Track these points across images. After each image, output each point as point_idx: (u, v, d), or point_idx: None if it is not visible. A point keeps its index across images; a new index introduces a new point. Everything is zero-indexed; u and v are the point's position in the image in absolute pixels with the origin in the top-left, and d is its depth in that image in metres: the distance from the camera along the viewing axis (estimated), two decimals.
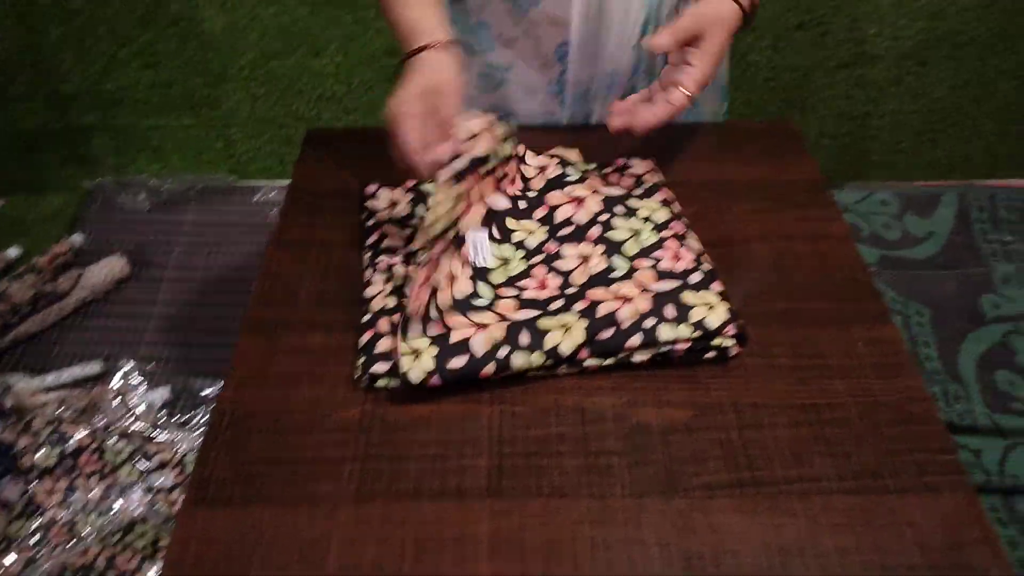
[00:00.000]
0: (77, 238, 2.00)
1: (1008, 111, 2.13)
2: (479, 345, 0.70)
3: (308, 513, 0.64)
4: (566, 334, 0.71)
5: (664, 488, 0.65)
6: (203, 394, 1.66)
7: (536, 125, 1.02)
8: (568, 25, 0.93)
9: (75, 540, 1.42)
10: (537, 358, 0.70)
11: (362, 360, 0.73)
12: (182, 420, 1.62)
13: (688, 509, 0.63)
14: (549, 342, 0.71)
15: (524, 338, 0.71)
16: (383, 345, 0.73)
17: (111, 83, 1.99)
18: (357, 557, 0.61)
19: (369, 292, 0.79)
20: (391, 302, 0.77)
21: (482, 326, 0.72)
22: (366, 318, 0.77)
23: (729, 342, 0.72)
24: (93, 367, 1.72)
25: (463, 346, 0.70)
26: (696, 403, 0.71)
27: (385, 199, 0.90)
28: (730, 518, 0.63)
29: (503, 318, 0.73)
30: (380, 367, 0.72)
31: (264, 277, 0.83)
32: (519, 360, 0.70)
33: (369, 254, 0.84)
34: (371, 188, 0.91)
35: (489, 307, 0.74)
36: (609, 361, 0.72)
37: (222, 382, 0.73)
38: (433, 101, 0.77)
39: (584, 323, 0.72)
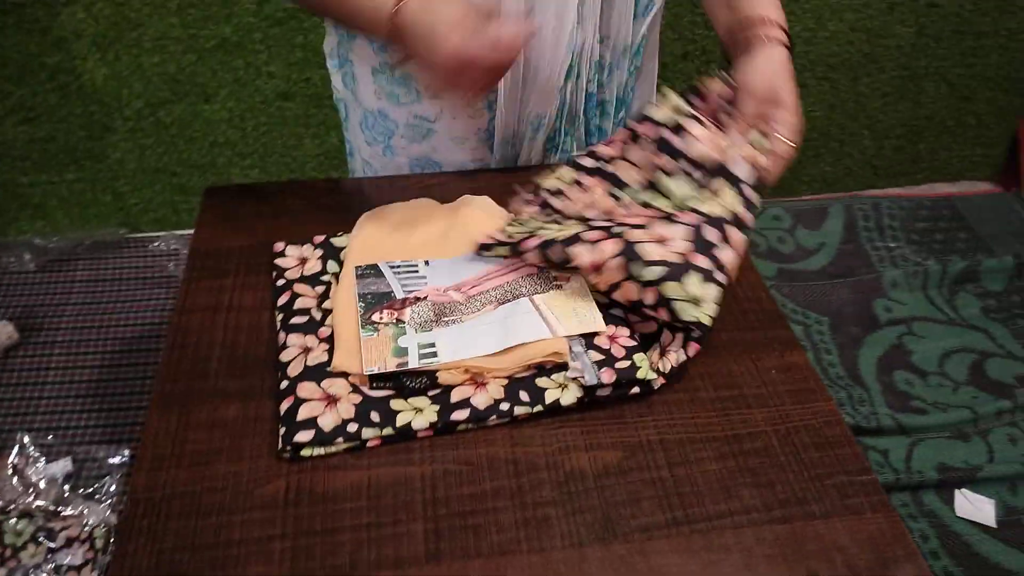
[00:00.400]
0: None
1: (881, 126, 2.27)
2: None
3: None
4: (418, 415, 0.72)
5: (602, 534, 0.65)
6: (110, 462, 1.58)
7: (465, 171, 1.02)
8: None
9: None
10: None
11: (283, 431, 0.70)
12: (88, 492, 1.54)
13: (628, 554, 0.64)
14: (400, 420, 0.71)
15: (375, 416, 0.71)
16: (305, 412, 0.71)
17: None
18: None
19: (285, 356, 0.77)
20: (312, 359, 0.76)
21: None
22: (284, 384, 0.74)
23: (652, 374, 0.73)
24: None
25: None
26: (625, 443, 0.71)
27: (294, 257, 0.88)
28: (668, 559, 0.63)
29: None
30: (304, 436, 0.69)
31: (171, 348, 0.80)
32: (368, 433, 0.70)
33: (281, 316, 0.81)
34: (279, 246, 0.89)
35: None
36: (537, 408, 0.72)
37: (127, 451, 0.69)
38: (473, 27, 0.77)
39: (435, 408, 0.72)
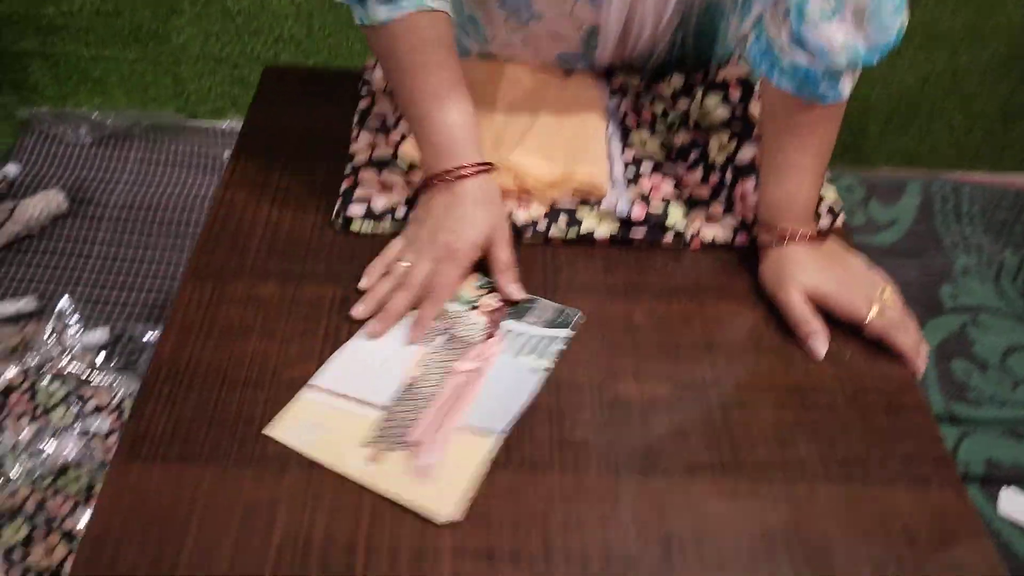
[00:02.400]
0: (11, 168, 1.87)
1: (975, 106, 2.13)
2: None
3: (254, 476, 0.58)
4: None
5: (642, 466, 0.61)
6: (144, 340, 1.58)
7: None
8: (569, 39, 0.84)
9: (3, 481, 1.34)
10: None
11: (339, 204, 0.77)
12: (121, 364, 1.54)
13: (667, 489, 0.59)
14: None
15: None
16: (361, 192, 0.77)
17: (51, 6, 1.86)
18: (307, 525, 0.56)
19: (354, 148, 0.82)
20: (377, 154, 0.81)
21: None
22: (348, 169, 0.80)
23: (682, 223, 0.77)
24: (27, 303, 1.62)
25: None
26: (678, 379, 0.66)
27: (381, 79, 0.90)
28: (710, 501, 0.59)
29: None
30: (356, 210, 0.76)
31: (212, 221, 0.76)
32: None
33: (358, 117, 0.86)
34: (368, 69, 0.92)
35: None
36: (572, 233, 0.76)
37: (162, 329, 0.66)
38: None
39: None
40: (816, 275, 0.70)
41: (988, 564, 0.57)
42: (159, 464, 0.58)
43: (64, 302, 1.59)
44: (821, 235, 0.73)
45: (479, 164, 0.71)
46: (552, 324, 0.69)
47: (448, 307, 0.70)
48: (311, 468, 0.59)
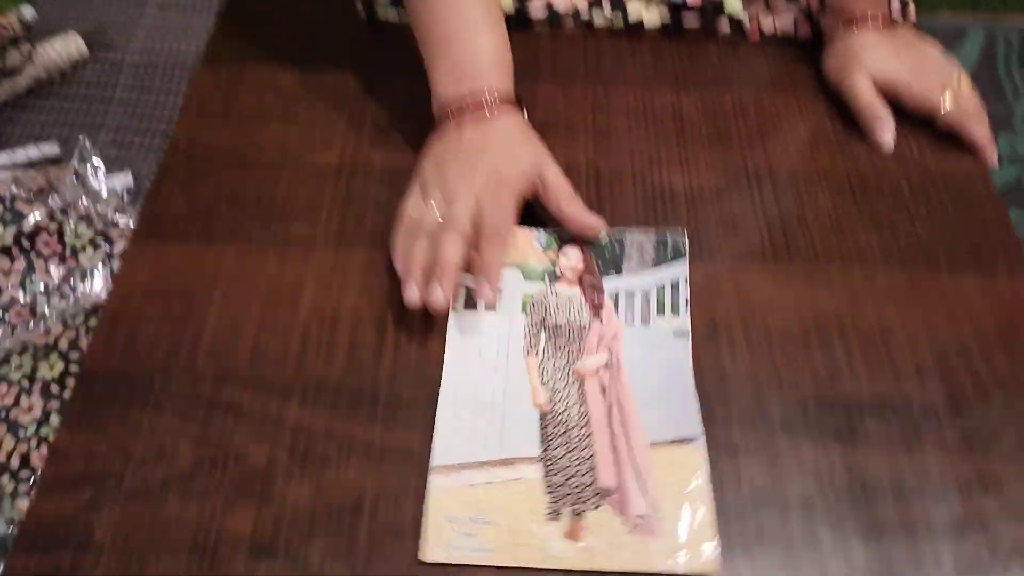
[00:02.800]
0: (27, 11, 1.81)
1: None
2: None
3: (279, 255, 0.55)
4: None
5: (688, 252, 0.57)
6: None
7: None
8: None
9: (36, 320, 1.35)
10: None
11: None
12: None
13: (714, 274, 0.56)
14: None
15: None
16: None
17: None
18: (334, 302, 0.53)
19: None
20: None
21: None
22: None
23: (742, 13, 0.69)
24: (50, 148, 1.59)
25: None
26: (728, 166, 0.62)
27: None
28: (759, 285, 0.55)
29: None
30: None
31: (231, 5, 0.71)
32: None
33: None
34: None
35: None
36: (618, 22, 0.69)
37: None
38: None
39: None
40: (887, 61, 0.64)
41: None
42: (178, 244, 0.56)
43: (87, 146, 1.56)
44: (893, 21, 0.66)
45: (515, 98, 0.59)
46: (660, 260, 0.56)
47: (524, 290, 0.54)
48: (338, 249, 0.56)
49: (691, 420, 0.49)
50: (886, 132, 0.62)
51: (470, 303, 0.53)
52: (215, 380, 0.50)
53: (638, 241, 0.56)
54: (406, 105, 0.64)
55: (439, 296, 0.51)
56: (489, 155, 0.55)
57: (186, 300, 0.53)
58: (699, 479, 0.47)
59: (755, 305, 0.54)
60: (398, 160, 0.61)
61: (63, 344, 1.34)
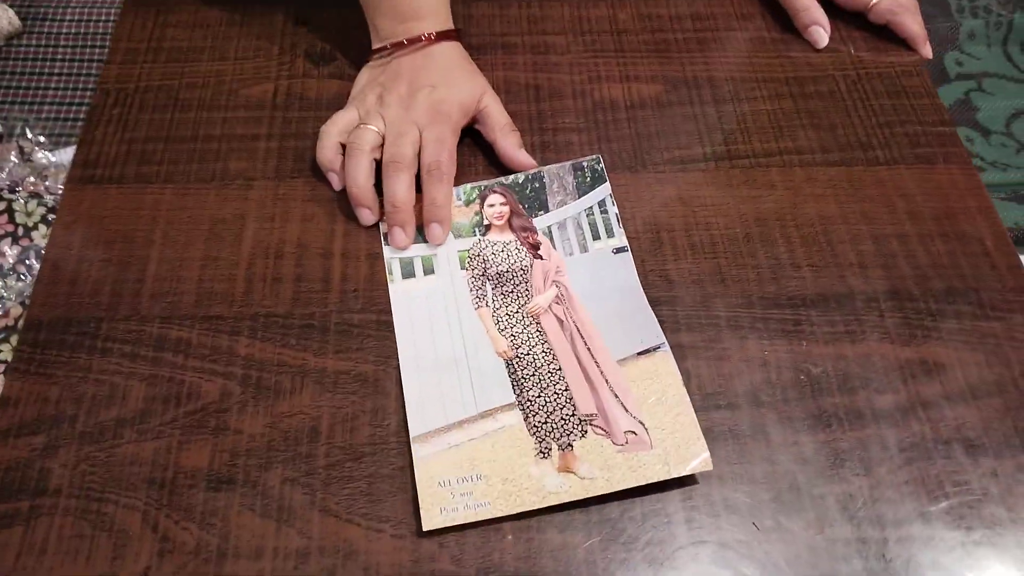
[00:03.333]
0: None
1: None
2: None
3: (218, 192, 0.55)
4: None
5: (631, 163, 0.57)
6: None
7: None
8: None
9: None
10: None
11: None
12: None
13: (656, 182, 0.56)
14: None
15: None
16: None
17: None
18: (277, 235, 0.53)
19: None
20: None
21: None
22: None
23: None
24: None
25: None
26: (668, 76, 0.61)
27: None
28: (703, 190, 0.56)
29: None
30: None
31: None
32: None
33: None
34: None
35: None
36: None
37: None
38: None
39: None
40: None
41: (994, 232, 0.54)
42: (115, 186, 0.55)
43: (29, 122, 1.52)
44: None
45: (452, 30, 0.58)
46: (584, 187, 0.56)
47: (457, 248, 0.54)
48: (278, 182, 0.55)
49: (651, 330, 0.50)
50: (820, 32, 0.63)
51: (407, 272, 0.52)
52: (161, 320, 0.50)
53: (556, 174, 0.56)
54: (339, 35, 0.63)
55: (403, 238, 0.52)
56: (429, 82, 0.55)
57: (127, 242, 0.52)
58: (673, 384, 0.48)
59: (698, 210, 0.55)
60: (333, 89, 0.60)
61: (22, 324, 1.32)
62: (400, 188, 0.52)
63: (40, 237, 1.43)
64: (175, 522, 0.43)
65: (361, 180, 0.53)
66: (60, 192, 1.45)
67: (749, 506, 0.44)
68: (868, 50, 0.63)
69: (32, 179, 1.44)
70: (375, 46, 0.58)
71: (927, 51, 0.63)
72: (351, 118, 0.55)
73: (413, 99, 0.54)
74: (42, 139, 1.53)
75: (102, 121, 0.58)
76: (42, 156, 1.50)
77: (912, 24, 0.62)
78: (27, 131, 1.52)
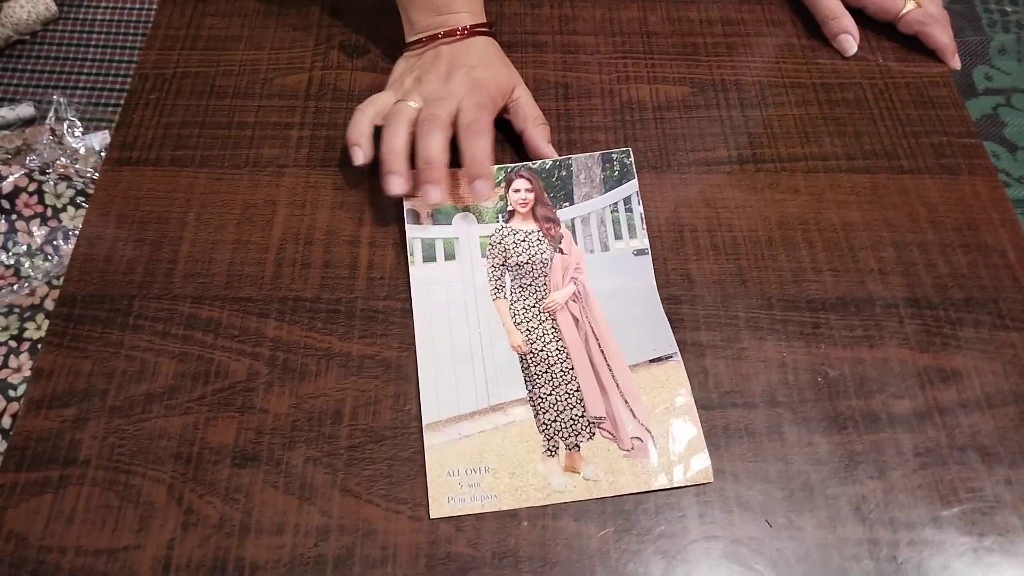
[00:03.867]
0: None
1: None
2: None
3: (251, 177, 0.56)
4: None
5: (655, 163, 0.58)
6: None
7: None
8: None
9: (20, 282, 1.35)
10: None
11: None
12: None
13: (681, 183, 0.57)
14: None
15: None
16: None
17: None
18: (309, 220, 0.54)
19: None
20: None
21: None
22: None
23: None
24: (25, 109, 1.57)
25: None
26: (695, 79, 0.62)
27: None
28: (727, 192, 0.56)
29: None
30: None
31: None
32: None
33: None
34: None
35: None
36: None
37: None
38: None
39: None
40: None
41: (1016, 245, 0.54)
42: (151, 168, 0.56)
43: (62, 105, 1.55)
44: None
45: (486, 23, 0.59)
46: (609, 181, 0.56)
47: (479, 233, 0.54)
48: (309, 170, 0.57)
49: (665, 338, 0.50)
50: (849, 40, 0.63)
51: (428, 256, 0.53)
52: (192, 300, 0.51)
53: (584, 164, 0.56)
54: (373, 27, 0.64)
55: (437, 195, 0.52)
56: (467, 66, 0.56)
57: (161, 224, 0.54)
58: (683, 394, 0.48)
59: (721, 211, 0.55)
60: (367, 82, 0.61)
61: (49, 304, 1.35)
62: (435, 144, 0.52)
63: (68, 219, 1.45)
64: (200, 496, 0.44)
65: (397, 146, 0.53)
66: (90, 175, 1.47)
67: (762, 504, 0.45)
68: (896, 60, 0.64)
69: (63, 161, 1.47)
70: (409, 39, 0.59)
71: (956, 63, 0.63)
72: (387, 100, 0.55)
73: (452, 75, 0.55)
74: (74, 122, 1.56)
75: (139, 105, 0.59)
76: (73, 139, 1.52)
77: (941, 35, 0.63)
78: (60, 113, 1.54)
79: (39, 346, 1.30)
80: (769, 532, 0.44)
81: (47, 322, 1.33)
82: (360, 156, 0.54)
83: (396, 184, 0.52)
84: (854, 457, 0.46)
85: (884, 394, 0.48)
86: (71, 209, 1.45)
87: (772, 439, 0.47)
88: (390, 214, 0.55)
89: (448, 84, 0.55)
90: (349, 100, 0.60)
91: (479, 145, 0.52)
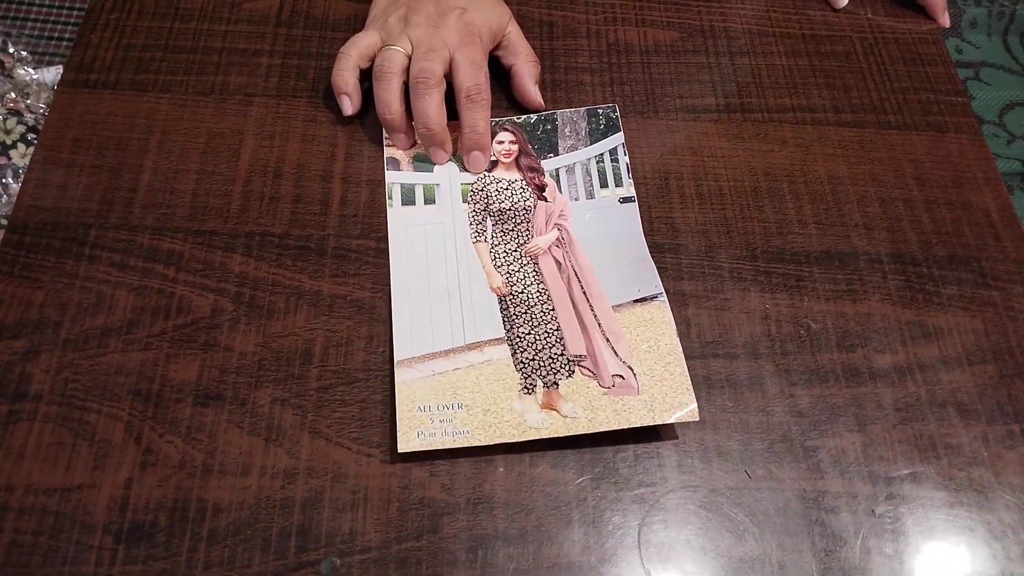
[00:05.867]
0: None
1: None
2: None
3: (217, 105, 0.53)
4: None
5: (643, 108, 0.56)
6: None
7: None
8: None
9: None
10: None
11: None
12: None
13: (668, 130, 0.55)
14: None
15: None
16: None
17: None
18: (278, 152, 0.51)
19: None
20: None
21: None
22: None
23: None
24: None
25: None
26: (684, 24, 0.60)
27: None
28: (714, 141, 0.55)
29: None
30: None
31: None
32: None
33: None
34: None
35: None
36: None
37: None
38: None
39: None
40: None
41: (1000, 204, 0.54)
42: (109, 92, 0.53)
43: (12, 36, 1.47)
44: None
45: None
46: (597, 134, 0.54)
47: (459, 178, 0.52)
48: (279, 100, 0.54)
49: (650, 279, 0.49)
50: None
51: (407, 200, 0.51)
52: (153, 231, 0.48)
53: (570, 118, 0.55)
54: None
55: (444, 156, 0.52)
56: (458, 5, 0.52)
57: (119, 150, 0.51)
58: (667, 333, 0.47)
59: (707, 160, 0.54)
60: (342, 10, 0.58)
61: None
62: (431, 108, 0.50)
63: (19, 156, 1.39)
64: (159, 435, 0.42)
65: (395, 105, 0.50)
66: (42, 111, 1.41)
67: (741, 454, 0.44)
68: (886, 15, 0.63)
69: (13, 95, 1.40)
70: None
71: (945, 20, 0.62)
72: (371, 41, 0.52)
73: (443, 19, 0.51)
74: (25, 55, 1.48)
75: (98, 26, 0.55)
76: (24, 72, 1.45)
77: None
78: (9, 46, 1.47)
79: None
80: (748, 483, 0.43)
81: None
82: (348, 106, 0.52)
83: (404, 143, 0.52)
84: (834, 410, 0.46)
85: (866, 348, 0.48)
86: (21, 146, 1.39)
87: (753, 390, 0.46)
88: (364, 150, 0.52)
89: (439, 30, 0.51)
90: (323, 28, 0.57)
91: (479, 115, 0.50)
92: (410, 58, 0.51)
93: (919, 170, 0.55)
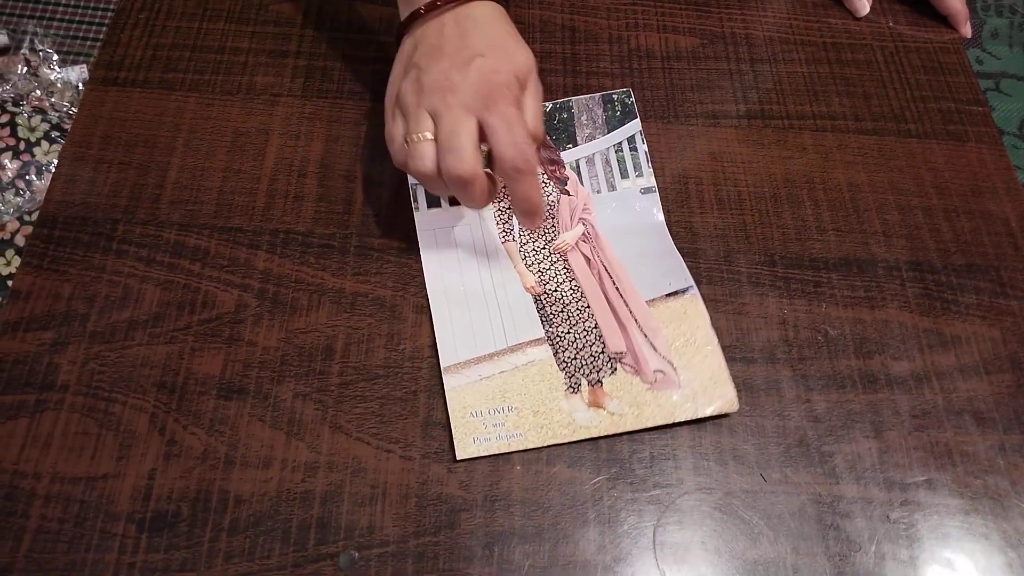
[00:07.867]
0: None
1: None
2: None
3: (243, 104, 0.54)
4: None
5: (663, 113, 0.56)
6: None
7: None
8: None
9: None
10: None
11: None
12: None
13: (688, 135, 0.55)
14: None
15: None
16: None
17: None
18: (303, 152, 0.52)
19: None
20: None
21: None
22: None
23: None
24: None
25: None
26: (705, 31, 0.61)
27: None
28: (734, 147, 0.55)
29: None
30: None
31: None
32: None
33: None
34: None
35: None
36: None
37: None
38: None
39: None
40: None
41: (1019, 213, 0.54)
42: (138, 90, 0.54)
43: (38, 35, 1.50)
44: None
45: None
46: (614, 122, 0.54)
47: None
48: (305, 100, 0.54)
49: (679, 272, 0.49)
50: (861, 1, 0.62)
51: (433, 202, 0.51)
52: (180, 227, 0.49)
53: (585, 105, 0.55)
54: None
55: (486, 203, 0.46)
56: (476, 51, 0.45)
57: (147, 147, 0.52)
58: (702, 326, 0.48)
59: (727, 166, 0.54)
60: (366, 12, 0.59)
61: (19, 240, 1.31)
62: (474, 198, 0.45)
63: (42, 153, 1.41)
64: (183, 427, 0.43)
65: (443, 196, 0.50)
66: (66, 109, 1.43)
67: (757, 458, 0.44)
68: (907, 24, 0.63)
69: (38, 94, 1.42)
70: (405, 14, 0.48)
71: (967, 30, 0.62)
72: (398, 134, 0.46)
73: (462, 75, 0.44)
74: (51, 54, 1.50)
75: (128, 25, 0.56)
76: (50, 71, 1.47)
77: (954, 1, 0.62)
78: (35, 44, 1.49)
79: (8, 282, 1.27)
80: (764, 486, 0.44)
81: (17, 258, 1.30)
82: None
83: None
84: (851, 416, 0.46)
85: (883, 355, 0.48)
86: (45, 144, 1.40)
87: (770, 394, 0.46)
88: (388, 151, 0.53)
89: (458, 94, 0.44)
90: (348, 31, 0.58)
91: (531, 186, 0.45)
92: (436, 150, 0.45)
93: (938, 179, 0.55)
